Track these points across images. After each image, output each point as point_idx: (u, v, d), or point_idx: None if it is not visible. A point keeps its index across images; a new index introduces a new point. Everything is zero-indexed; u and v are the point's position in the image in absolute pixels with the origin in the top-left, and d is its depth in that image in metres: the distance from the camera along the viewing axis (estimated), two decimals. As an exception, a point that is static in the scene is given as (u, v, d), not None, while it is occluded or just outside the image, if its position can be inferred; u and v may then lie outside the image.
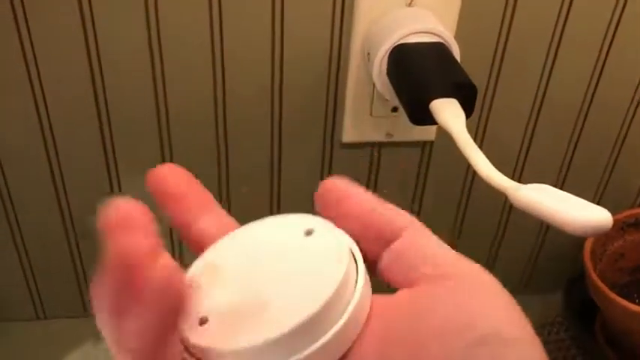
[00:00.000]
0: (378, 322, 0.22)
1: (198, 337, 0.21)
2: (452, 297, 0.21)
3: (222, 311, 0.22)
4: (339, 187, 0.24)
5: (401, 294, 0.22)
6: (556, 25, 0.53)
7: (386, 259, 0.23)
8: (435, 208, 0.62)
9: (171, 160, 0.56)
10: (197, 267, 0.24)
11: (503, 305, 0.21)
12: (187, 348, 0.22)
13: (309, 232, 0.23)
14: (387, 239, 0.23)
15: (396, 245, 0.23)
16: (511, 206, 0.64)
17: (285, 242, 0.23)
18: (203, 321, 0.22)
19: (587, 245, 0.61)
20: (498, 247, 0.65)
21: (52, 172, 0.55)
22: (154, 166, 0.24)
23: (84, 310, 0.65)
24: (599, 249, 0.63)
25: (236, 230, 0.25)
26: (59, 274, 0.61)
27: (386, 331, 0.21)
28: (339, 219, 0.23)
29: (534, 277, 0.70)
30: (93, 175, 0.56)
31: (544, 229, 0.66)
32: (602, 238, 0.63)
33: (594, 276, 0.59)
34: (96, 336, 0.63)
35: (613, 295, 0.57)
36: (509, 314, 0.20)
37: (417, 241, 0.23)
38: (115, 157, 0.55)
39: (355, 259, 0.23)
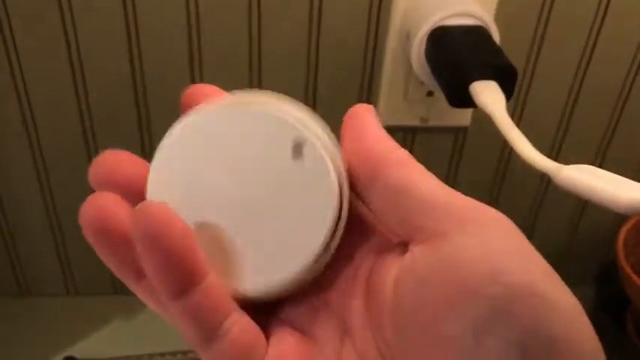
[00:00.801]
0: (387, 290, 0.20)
1: None
2: (478, 247, 0.18)
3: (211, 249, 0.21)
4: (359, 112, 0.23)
5: (415, 256, 0.20)
6: (598, 9, 0.52)
7: (377, 195, 0.21)
8: (467, 195, 0.62)
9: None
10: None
11: (536, 260, 0.19)
12: None
13: (297, 149, 0.21)
14: (377, 173, 0.21)
15: (385, 182, 0.20)
16: (542, 197, 0.64)
17: (271, 162, 0.21)
18: None
19: (621, 236, 0.60)
20: (530, 237, 0.64)
21: (87, 147, 0.56)
22: None
23: (114, 287, 0.65)
24: (632, 240, 0.62)
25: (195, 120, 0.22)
26: (91, 249, 0.62)
27: (400, 297, 0.20)
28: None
29: (565, 269, 0.69)
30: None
31: (575, 219, 0.65)
32: (636, 228, 0.62)
33: (627, 267, 0.58)
34: (125, 314, 0.64)
35: (646, 287, 0.56)
36: (544, 270, 0.18)
37: (417, 183, 0.20)
38: (149, 128, 0.55)
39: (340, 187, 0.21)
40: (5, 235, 0.61)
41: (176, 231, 0.19)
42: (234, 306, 0.21)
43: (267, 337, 0.22)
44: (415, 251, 0.20)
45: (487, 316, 0.17)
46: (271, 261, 0.21)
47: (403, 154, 0.21)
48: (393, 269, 0.20)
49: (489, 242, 0.18)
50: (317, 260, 0.21)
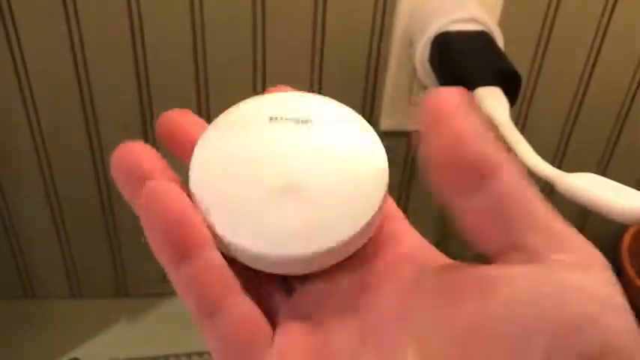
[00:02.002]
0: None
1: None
2: (576, 291, 0.17)
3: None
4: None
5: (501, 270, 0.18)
6: (602, 15, 0.52)
7: (477, 204, 0.19)
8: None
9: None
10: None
11: (625, 315, 0.17)
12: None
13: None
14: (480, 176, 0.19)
15: (494, 190, 0.18)
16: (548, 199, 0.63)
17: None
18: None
19: (625, 242, 0.60)
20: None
21: (91, 147, 0.56)
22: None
23: (118, 290, 0.66)
24: (637, 245, 0.62)
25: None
26: (96, 252, 0.62)
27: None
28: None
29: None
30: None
31: (579, 225, 0.65)
32: (641, 234, 0.62)
33: (632, 272, 0.58)
34: (129, 316, 0.64)
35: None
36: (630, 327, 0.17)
37: (522, 193, 0.18)
38: (152, 125, 0.56)
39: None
40: (11, 238, 0.61)
41: (172, 199, 0.20)
42: (238, 287, 0.21)
43: (275, 325, 0.21)
44: (518, 267, 0.18)
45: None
46: (315, 227, 0.21)
47: (509, 159, 0.19)
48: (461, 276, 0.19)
49: (596, 288, 0.17)
50: (361, 232, 0.21)
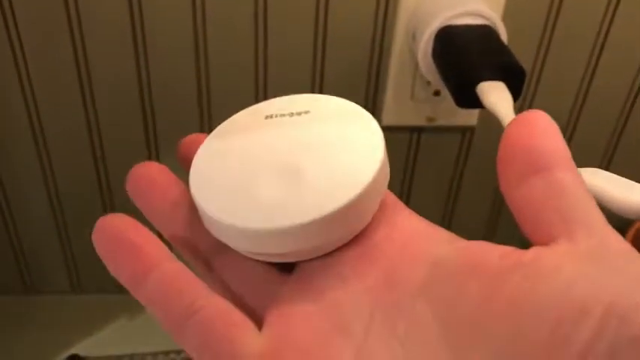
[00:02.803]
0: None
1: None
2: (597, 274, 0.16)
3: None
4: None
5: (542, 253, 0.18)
6: (607, 9, 0.52)
7: (540, 188, 0.19)
8: (473, 195, 0.62)
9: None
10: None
11: None
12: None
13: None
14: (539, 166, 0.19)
15: (555, 177, 0.19)
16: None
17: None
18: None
19: (629, 236, 0.60)
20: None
21: (92, 143, 0.56)
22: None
23: (119, 285, 0.65)
24: (640, 242, 0.62)
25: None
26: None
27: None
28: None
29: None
30: (133, 150, 0.56)
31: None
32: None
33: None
34: (130, 312, 0.64)
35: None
36: None
37: (580, 186, 0.19)
38: (154, 121, 0.55)
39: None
40: (10, 233, 0.61)
41: (114, 230, 0.21)
42: (205, 289, 0.21)
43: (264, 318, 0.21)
44: (564, 250, 0.18)
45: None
46: (321, 194, 0.21)
47: (573, 162, 0.20)
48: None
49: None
50: (364, 197, 0.21)
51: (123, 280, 0.22)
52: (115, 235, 0.21)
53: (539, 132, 0.20)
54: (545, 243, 0.18)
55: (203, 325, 0.20)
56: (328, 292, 0.21)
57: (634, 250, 0.18)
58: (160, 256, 0.21)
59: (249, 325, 0.20)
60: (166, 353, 0.61)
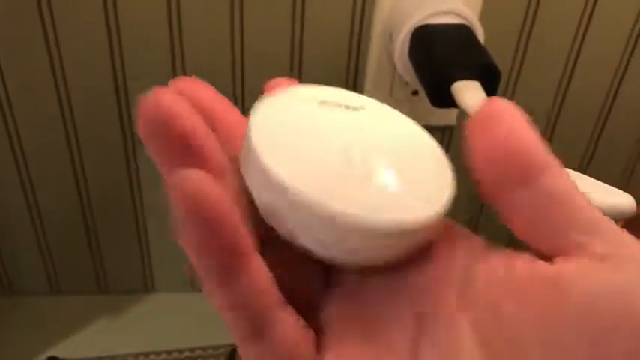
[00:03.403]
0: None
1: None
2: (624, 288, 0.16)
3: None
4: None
5: (550, 268, 0.18)
6: (584, 10, 0.52)
7: (526, 200, 0.18)
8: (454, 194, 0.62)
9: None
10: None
11: None
12: None
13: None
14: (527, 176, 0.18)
15: (544, 185, 0.18)
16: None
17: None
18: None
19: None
20: (517, 243, 0.64)
21: (69, 142, 0.55)
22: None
23: (98, 285, 0.65)
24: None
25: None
26: (75, 248, 0.62)
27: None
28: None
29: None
30: (111, 148, 0.56)
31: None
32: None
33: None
34: (109, 312, 0.64)
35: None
36: None
37: (570, 192, 0.18)
38: (133, 139, 0.55)
39: None
40: (-12, 233, 0.61)
41: (213, 210, 0.17)
42: (281, 301, 0.19)
43: (320, 337, 0.20)
44: (583, 264, 0.17)
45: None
46: (420, 201, 0.20)
47: (555, 159, 0.19)
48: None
49: None
50: (433, 221, 0.20)
51: (206, 275, 0.18)
52: (206, 214, 0.17)
53: (515, 130, 0.19)
54: (557, 254, 0.18)
55: (276, 345, 0.19)
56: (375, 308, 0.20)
57: None
58: (248, 247, 0.18)
59: (314, 342, 0.20)
60: (146, 354, 0.60)
